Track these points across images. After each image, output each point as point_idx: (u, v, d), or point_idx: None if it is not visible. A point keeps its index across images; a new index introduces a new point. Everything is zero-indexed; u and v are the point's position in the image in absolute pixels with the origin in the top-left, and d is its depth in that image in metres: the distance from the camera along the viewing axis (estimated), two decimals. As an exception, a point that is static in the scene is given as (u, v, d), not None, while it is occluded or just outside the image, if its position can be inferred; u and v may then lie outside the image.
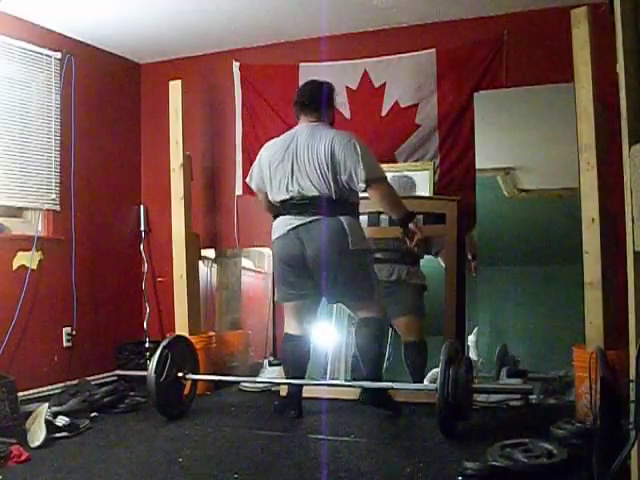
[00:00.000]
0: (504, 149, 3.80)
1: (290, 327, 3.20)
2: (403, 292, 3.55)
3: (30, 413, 2.88)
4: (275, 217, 3.15)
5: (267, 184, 3.14)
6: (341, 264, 2.98)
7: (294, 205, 3.02)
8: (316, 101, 3.12)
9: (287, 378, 3.20)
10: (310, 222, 2.98)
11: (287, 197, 3.04)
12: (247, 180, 3.33)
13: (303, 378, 3.16)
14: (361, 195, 3.09)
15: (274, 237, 3.11)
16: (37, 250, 3.73)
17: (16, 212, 3.81)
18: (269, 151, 3.16)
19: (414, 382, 3.40)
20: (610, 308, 2.78)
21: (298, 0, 3.62)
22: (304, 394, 3.18)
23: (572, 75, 2.91)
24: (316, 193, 2.98)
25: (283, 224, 3.05)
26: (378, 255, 3.56)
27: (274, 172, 3.07)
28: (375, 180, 2.95)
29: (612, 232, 2.82)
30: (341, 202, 3.00)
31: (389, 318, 3.53)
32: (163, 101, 4.01)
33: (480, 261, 3.69)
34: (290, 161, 3.03)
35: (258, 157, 3.23)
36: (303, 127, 3.11)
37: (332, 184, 2.96)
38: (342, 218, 2.97)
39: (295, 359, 3.16)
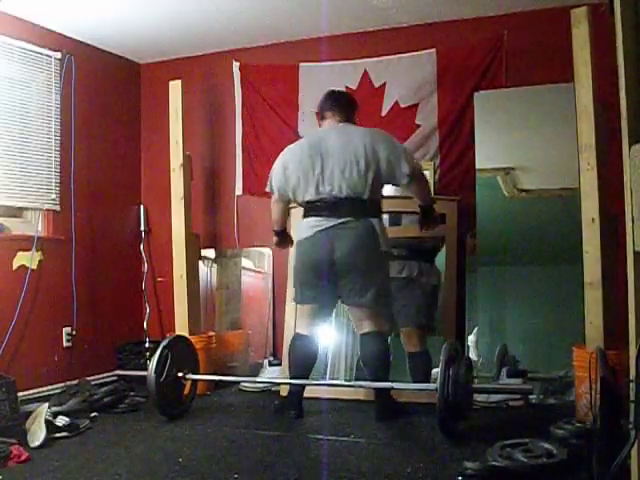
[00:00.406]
0: (504, 149, 3.80)
1: (301, 327, 3.17)
2: (412, 293, 3.48)
3: (30, 413, 2.88)
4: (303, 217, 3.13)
5: (290, 186, 3.10)
6: (369, 266, 3.00)
7: (324, 206, 3.00)
8: (344, 102, 3.21)
9: (291, 376, 3.16)
10: (341, 224, 2.96)
11: (316, 198, 3.01)
12: (267, 188, 3.27)
13: (307, 378, 3.13)
14: None
15: (300, 238, 3.09)
16: (37, 250, 3.73)
17: (16, 212, 3.81)
18: (293, 154, 3.14)
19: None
20: (610, 308, 2.77)
21: (298, 0, 3.62)
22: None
23: (572, 75, 2.91)
24: (348, 193, 2.97)
25: (311, 225, 3.03)
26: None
27: (302, 173, 3.03)
28: (418, 172, 3.08)
29: (612, 232, 2.82)
30: (370, 202, 3.02)
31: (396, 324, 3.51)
32: (163, 101, 4.02)
33: (480, 261, 3.69)
34: (320, 162, 3.01)
35: (280, 161, 3.18)
36: (329, 128, 3.14)
37: (369, 182, 2.97)
38: (372, 220, 3.00)
39: (303, 358, 3.13)
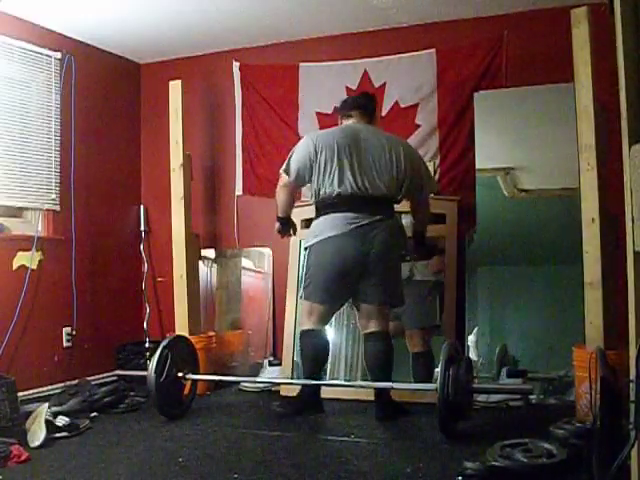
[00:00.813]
0: (504, 149, 3.80)
1: (311, 324, 3.06)
2: (412, 294, 3.42)
3: (30, 413, 2.88)
4: (321, 213, 3.03)
5: (318, 173, 2.97)
6: (396, 264, 3.09)
7: (359, 202, 2.94)
8: (373, 107, 3.22)
9: (305, 372, 3.10)
10: (377, 221, 2.94)
11: (351, 192, 2.93)
12: (282, 169, 3.07)
13: (321, 373, 3.11)
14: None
15: (328, 235, 2.95)
16: (37, 250, 3.73)
17: (16, 212, 3.80)
18: (326, 139, 3.00)
19: None
20: (610, 308, 2.77)
21: (298, 0, 3.62)
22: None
23: (572, 75, 2.91)
24: (383, 192, 2.98)
25: (345, 221, 2.93)
26: None
27: (338, 162, 2.93)
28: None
29: (612, 232, 2.83)
30: (394, 204, 3.08)
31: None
32: (163, 101, 4.02)
33: (480, 261, 3.69)
34: (358, 155, 2.96)
35: (310, 143, 3.01)
36: (362, 125, 3.12)
37: (405, 187, 3.04)
38: (398, 219, 3.09)
39: (318, 353, 3.08)
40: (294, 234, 3.35)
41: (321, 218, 3.03)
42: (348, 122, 3.16)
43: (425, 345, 3.46)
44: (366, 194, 2.95)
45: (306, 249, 3.11)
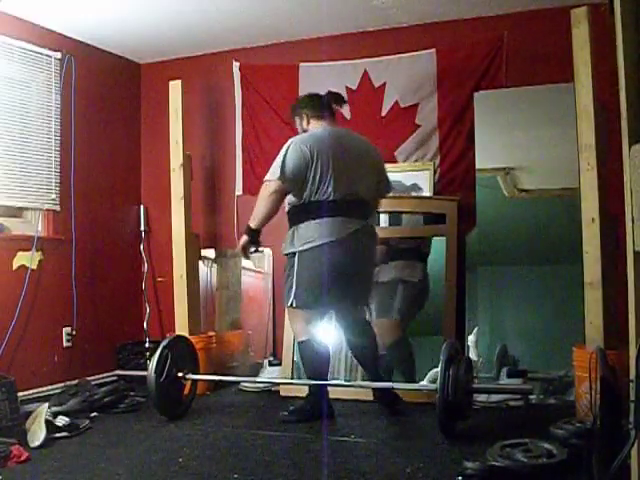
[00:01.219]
0: (504, 149, 3.80)
1: (310, 333, 3.01)
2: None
3: (30, 413, 2.88)
4: (302, 219, 2.95)
5: (314, 175, 2.88)
6: (374, 267, 3.22)
7: (351, 207, 2.94)
8: (340, 105, 3.24)
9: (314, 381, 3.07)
10: (364, 225, 2.99)
11: (345, 198, 2.91)
12: (275, 177, 2.89)
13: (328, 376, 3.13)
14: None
15: (325, 240, 2.86)
16: (37, 250, 3.73)
17: (16, 212, 3.80)
18: (321, 142, 2.95)
19: (405, 381, 3.45)
20: (610, 308, 2.78)
21: (298, 0, 3.62)
22: (304, 394, 3.17)
23: (572, 75, 2.91)
24: (366, 196, 3.03)
25: (338, 227, 2.88)
26: None
27: (332, 168, 2.89)
28: None
29: (612, 232, 2.83)
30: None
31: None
32: (163, 101, 4.02)
33: (480, 261, 3.70)
34: (348, 161, 2.96)
35: (305, 149, 2.90)
36: (340, 128, 3.18)
37: (376, 191, 3.11)
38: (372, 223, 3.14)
39: (323, 360, 3.06)
40: (261, 252, 3.29)
41: (311, 222, 2.91)
42: (319, 124, 3.08)
43: (394, 334, 3.55)
44: (356, 198, 2.98)
45: (294, 254, 2.95)
